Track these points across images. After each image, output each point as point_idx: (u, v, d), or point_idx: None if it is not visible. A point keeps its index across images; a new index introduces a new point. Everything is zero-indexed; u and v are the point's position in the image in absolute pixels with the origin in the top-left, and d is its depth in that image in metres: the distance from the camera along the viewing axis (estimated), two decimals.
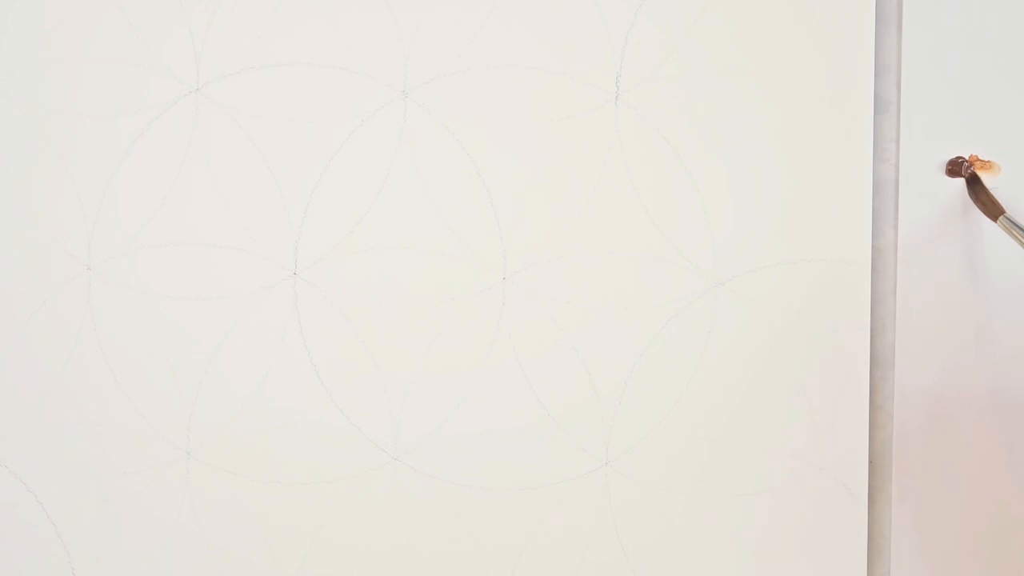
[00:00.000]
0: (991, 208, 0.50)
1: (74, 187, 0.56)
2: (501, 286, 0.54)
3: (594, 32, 0.53)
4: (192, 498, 0.56)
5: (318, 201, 0.55)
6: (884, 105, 0.53)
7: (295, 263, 0.55)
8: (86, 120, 0.55)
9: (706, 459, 0.54)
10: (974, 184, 0.51)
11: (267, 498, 0.56)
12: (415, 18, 0.54)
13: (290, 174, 0.55)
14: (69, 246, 0.56)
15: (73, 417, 0.57)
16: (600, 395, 0.54)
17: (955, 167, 0.52)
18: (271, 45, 0.54)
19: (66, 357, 0.56)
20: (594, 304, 0.54)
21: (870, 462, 0.54)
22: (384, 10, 0.54)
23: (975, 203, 0.51)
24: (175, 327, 0.56)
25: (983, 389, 0.53)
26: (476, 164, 0.54)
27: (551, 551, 0.55)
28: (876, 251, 0.53)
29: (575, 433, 0.55)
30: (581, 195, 0.54)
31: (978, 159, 0.52)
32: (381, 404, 0.55)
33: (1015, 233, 0.48)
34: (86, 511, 0.57)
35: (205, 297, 0.55)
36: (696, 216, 0.53)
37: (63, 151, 0.56)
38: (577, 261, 0.54)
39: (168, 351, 0.56)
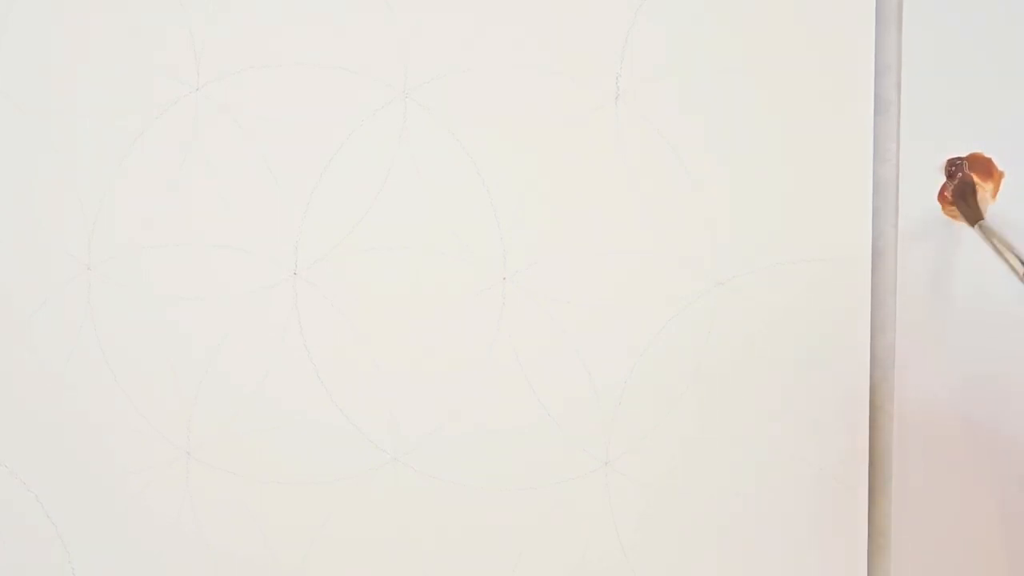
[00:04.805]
0: (971, 214, 0.50)
1: (74, 187, 0.56)
2: (501, 286, 0.54)
3: (594, 32, 0.53)
4: (192, 498, 0.56)
5: (318, 201, 0.55)
6: (884, 105, 0.53)
7: (295, 263, 0.55)
8: (86, 120, 0.55)
9: (706, 459, 0.54)
10: (962, 189, 0.51)
11: (267, 498, 0.56)
12: (415, 18, 0.54)
13: (290, 174, 0.55)
14: (69, 246, 0.56)
15: (73, 417, 0.57)
16: (600, 395, 0.54)
17: (953, 167, 0.52)
18: (271, 45, 0.54)
19: (66, 357, 0.56)
20: (594, 304, 0.54)
21: (870, 462, 0.54)
22: (384, 10, 0.54)
23: (958, 206, 0.51)
24: (175, 327, 0.56)
25: (983, 389, 0.53)
26: (476, 164, 0.54)
27: (551, 551, 0.55)
28: (876, 251, 0.53)
29: (575, 433, 0.55)
30: (581, 195, 0.54)
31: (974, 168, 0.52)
32: (381, 404, 0.55)
33: (993, 241, 0.48)
34: (86, 511, 0.57)
35: (205, 297, 0.55)
36: (696, 216, 0.53)
37: (63, 151, 0.56)
38: (577, 261, 0.54)
39: (168, 351, 0.56)
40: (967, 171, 0.52)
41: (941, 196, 0.52)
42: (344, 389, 0.55)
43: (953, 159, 0.52)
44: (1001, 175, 0.52)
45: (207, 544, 0.57)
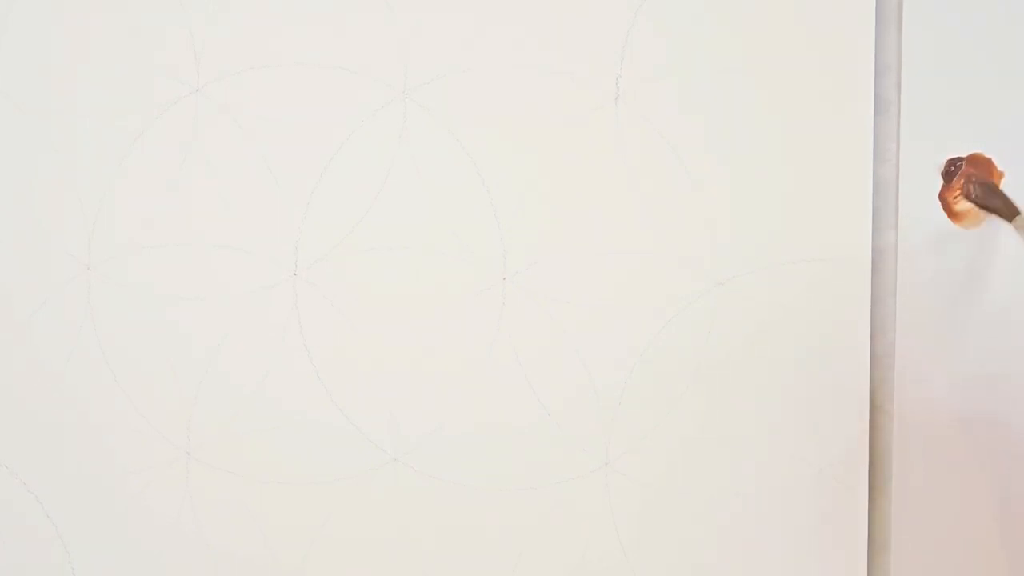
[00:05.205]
0: (1008, 209, 0.50)
1: (74, 187, 0.56)
2: (501, 286, 0.54)
3: (594, 32, 0.53)
4: (192, 498, 0.56)
5: (318, 201, 0.55)
6: (884, 105, 0.53)
7: (295, 263, 0.55)
8: (86, 120, 0.55)
9: (706, 459, 0.54)
10: (988, 188, 0.51)
11: (267, 498, 0.56)
12: (415, 18, 0.54)
13: (290, 174, 0.55)
14: (69, 246, 0.56)
15: (73, 417, 0.57)
16: (600, 395, 0.54)
17: (953, 167, 0.52)
18: (271, 45, 0.54)
19: (66, 357, 0.56)
20: (594, 304, 0.54)
21: (870, 462, 0.54)
22: (384, 10, 0.54)
23: (988, 207, 0.51)
24: (175, 327, 0.56)
25: (983, 389, 0.53)
26: (476, 164, 0.54)
27: (551, 551, 0.55)
28: (876, 251, 0.53)
29: (575, 433, 0.55)
30: (581, 195, 0.54)
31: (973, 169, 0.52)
32: (381, 404, 0.55)
33: None
34: (86, 511, 0.57)
35: (205, 297, 0.55)
36: (696, 216, 0.53)
37: (63, 151, 0.56)
38: (577, 261, 0.54)
39: (168, 351, 0.56)
40: (980, 172, 0.51)
41: (942, 196, 0.52)
42: (344, 389, 0.55)
43: (953, 159, 0.52)
44: (1001, 175, 0.52)
45: (207, 544, 0.57)
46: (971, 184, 0.51)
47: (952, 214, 0.52)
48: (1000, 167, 0.52)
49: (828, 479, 0.54)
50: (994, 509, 0.53)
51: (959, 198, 0.52)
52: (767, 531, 0.55)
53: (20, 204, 0.56)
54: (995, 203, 0.51)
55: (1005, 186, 0.52)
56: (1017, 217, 0.50)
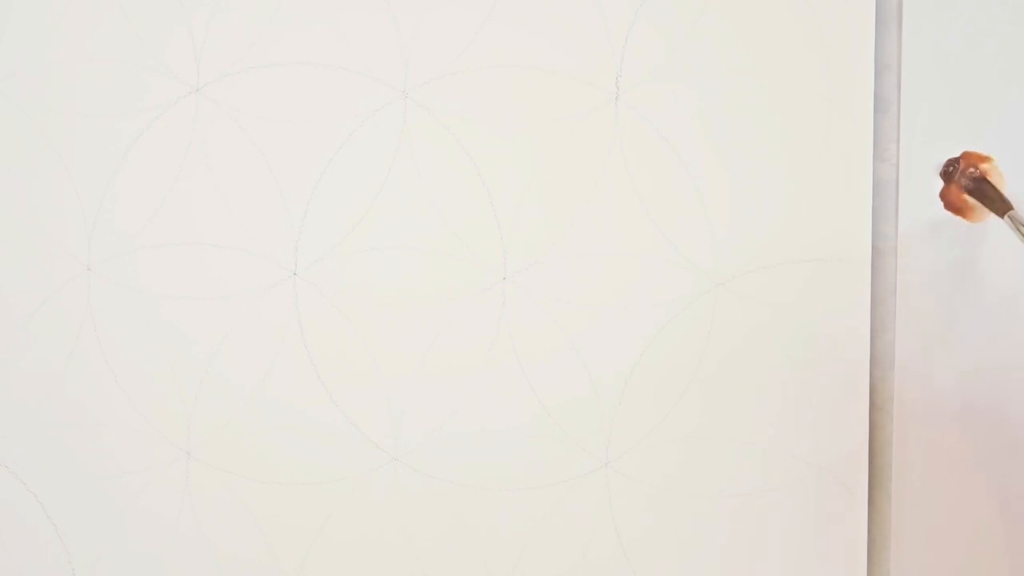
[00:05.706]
0: (1000, 205, 0.50)
1: (74, 187, 0.56)
2: (501, 286, 0.54)
3: (594, 32, 0.53)
4: (192, 498, 0.56)
5: (318, 201, 0.55)
6: (884, 105, 0.53)
7: (295, 263, 0.55)
8: (86, 120, 0.55)
9: (706, 459, 0.54)
10: (981, 184, 0.51)
11: (267, 498, 0.56)
12: (415, 18, 0.54)
13: (290, 174, 0.55)
14: (69, 246, 0.56)
15: (73, 417, 0.57)
16: (600, 395, 0.54)
17: (951, 167, 0.52)
18: (271, 45, 0.54)
19: (66, 357, 0.56)
20: (594, 304, 0.54)
21: (870, 462, 0.54)
22: (384, 10, 0.54)
23: (980, 200, 0.51)
24: (175, 327, 0.56)
25: (983, 388, 0.53)
26: (476, 164, 0.54)
27: (551, 551, 0.55)
28: (876, 251, 0.53)
29: (575, 433, 0.55)
30: (581, 195, 0.54)
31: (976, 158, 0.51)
32: (381, 404, 0.55)
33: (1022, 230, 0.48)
34: (86, 511, 0.57)
35: (205, 297, 0.55)
36: (696, 216, 0.53)
37: (63, 151, 0.56)
38: (577, 261, 0.54)
39: (168, 351, 0.56)
40: (974, 166, 0.51)
41: (943, 195, 0.52)
42: (344, 389, 0.55)
43: (951, 159, 0.52)
44: (1000, 176, 0.52)
45: (207, 544, 0.57)
46: (963, 177, 0.51)
47: (958, 210, 0.52)
48: (1000, 167, 0.52)
49: (828, 479, 0.54)
50: (995, 508, 0.53)
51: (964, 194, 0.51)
52: (767, 531, 0.55)
53: (20, 204, 0.56)
54: (986, 200, 0.51)
55: (1005, 186, 0.52)
56: (1009, 212, 0.49)
